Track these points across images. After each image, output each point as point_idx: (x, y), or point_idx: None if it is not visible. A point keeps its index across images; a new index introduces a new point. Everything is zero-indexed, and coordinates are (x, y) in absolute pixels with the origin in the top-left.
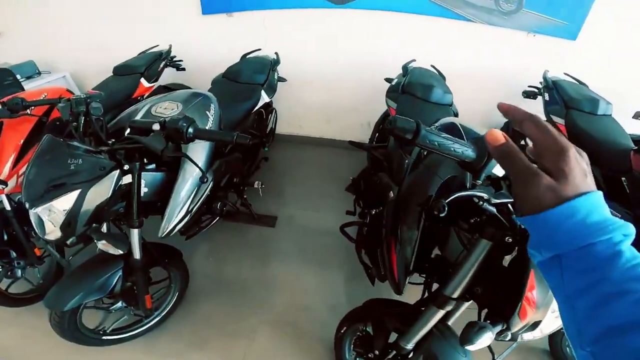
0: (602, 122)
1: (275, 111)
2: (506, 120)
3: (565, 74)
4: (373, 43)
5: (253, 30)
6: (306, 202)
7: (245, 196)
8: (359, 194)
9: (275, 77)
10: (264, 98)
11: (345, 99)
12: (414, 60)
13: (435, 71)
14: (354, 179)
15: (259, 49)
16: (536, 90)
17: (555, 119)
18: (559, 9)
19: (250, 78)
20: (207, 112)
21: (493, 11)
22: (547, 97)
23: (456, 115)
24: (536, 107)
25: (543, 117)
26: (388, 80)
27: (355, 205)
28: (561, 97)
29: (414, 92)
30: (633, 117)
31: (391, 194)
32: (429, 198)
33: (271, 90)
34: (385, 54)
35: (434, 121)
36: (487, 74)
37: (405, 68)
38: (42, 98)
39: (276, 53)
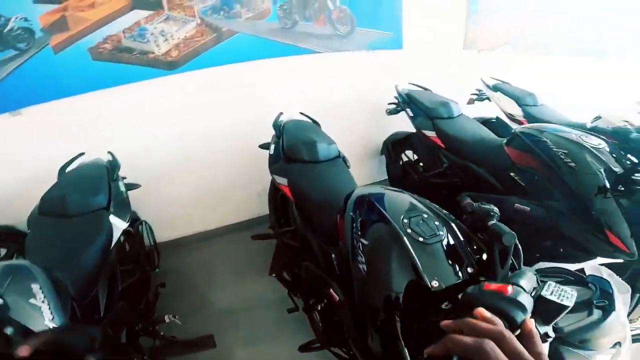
0: (461, 122)
1: (145, 223)
2: None
3: (410, 83)
4: (228, 104)
5: (63, 127)
6: (234, 304)
7: (162, 333)
8: (291, 287)
9: (121, 187)
10: (118, 225)
11: (223, 177)
12: (281, 114)
13: (307, 119)
14: (274, 272)
15: (82, 154)
16: (395, 106)
17: (427, 132)
18: (381, 21)
19: (84, 204)
20: (32, 295)
21: (332, 36)
22: (410, 112)
23: (345, 162)
24: (402, 124)
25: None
26: (263, 146)
27: (292, 297)
28: (419, 108)
29: (299, 156)
30: (467, 103)
31: (332, 292)
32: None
33: (123, 209)
34: (246, 114)
35: None
36: (353, 101)
37: (276, 127)
38: None
39: (110, 153)
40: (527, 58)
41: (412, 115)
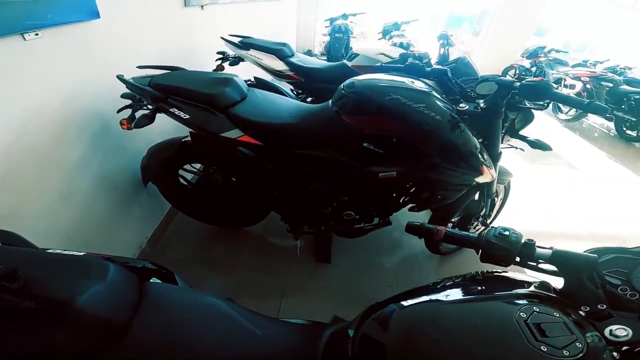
0: (258, 100)
1: None
2: None
3: (140, 67)
4: None
5: None
6: None
7: None
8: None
9: None
10: None
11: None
12: None
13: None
14: None
15: None
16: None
17: (227, 134)
18: None
19: None
20: None
21: None
22: (181, 114)
23: None
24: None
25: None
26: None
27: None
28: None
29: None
30: (217, 70)
31: None
32: None
33: None
34: None
35: None
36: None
37: None
38: None
39: None
40: (243, 5)
41: (186, 116)
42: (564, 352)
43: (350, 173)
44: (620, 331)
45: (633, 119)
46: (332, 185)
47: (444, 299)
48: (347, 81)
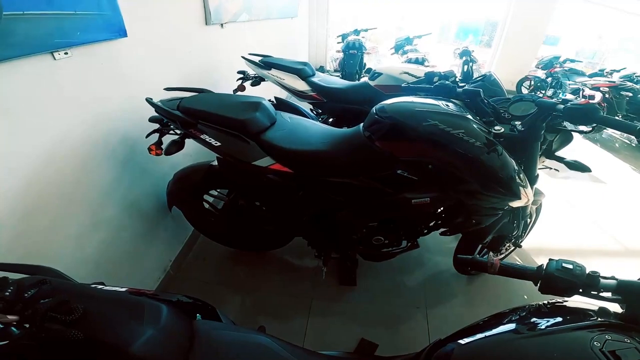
0: (288, 125)
1: None
2: None
3: (168, 88)
4: None
5: None
6: None
7: None
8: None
9: None
10: None
11: None
12: None
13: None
14: None
15: None
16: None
17: (259, 162)
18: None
19: None
20: None
21: None
22: (212, 140)
23: None
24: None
25: None
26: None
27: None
28: (220, 129)
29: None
30: (238, 91)
31: None
32: None
33: None
34: None
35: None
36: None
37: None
38: None
39: None
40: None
41: (217, 144)
42: None
43: (382, 200)
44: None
45: None
46: (363, 212)
47: (511, 332)
48: (379, 105)
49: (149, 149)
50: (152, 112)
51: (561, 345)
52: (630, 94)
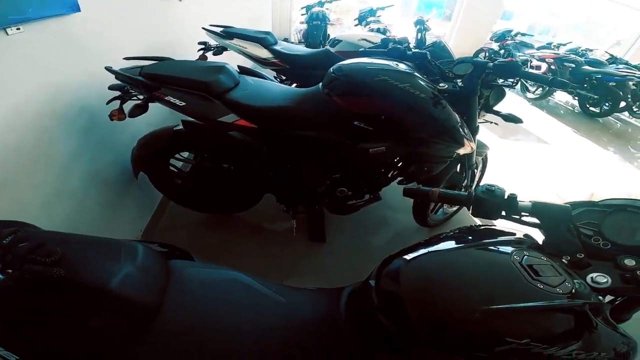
0: (251, 86)
1: None
2: None
3: (126, 58)
4: None
5: None
6: None
7: None
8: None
9: None
10: None
11: None
12: None
13: None
14: None
15: None
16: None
17: (225, 119)
18: None
19: None
20: None
21: None
22: (176, 101)
23: None
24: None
25: None
26: None
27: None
28: (181, 88)
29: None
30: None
31: None
32: None
33: None
34: None
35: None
36: None
37: None
38: None
39: None
40: None
41: (182, 104)
42: (557, 289)
43: (342, 151)
44: (601, 278)
45: (595, 96)
46: (325, 165)
47: (448, 248)
48: (336, 65)
49: (111, 116)
50: (113, 82)
51: (487, 257)
52: (573, 65)
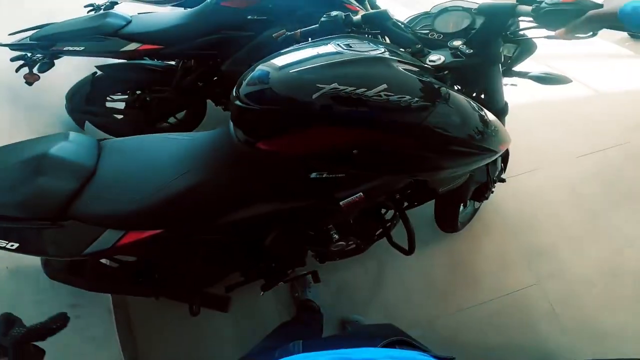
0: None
1: None
2: None
3: None
4: None
5: None
6: None
7: None
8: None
9: None
10: None
11: None
12: None
13: None
14: None
15: None
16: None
17: (127, 48)
18: None
19: None
20: None
21: None
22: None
23: None
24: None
25: None
26: None
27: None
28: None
29: None
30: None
31: None
32: None
33: None
34: None
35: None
36: None
37: None
38: None
39: None
40: None
41: (81, 48)
42: (366, 53)
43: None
44: (434, 56)
45: None
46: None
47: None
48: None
49: (26, 80)
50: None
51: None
52: None
